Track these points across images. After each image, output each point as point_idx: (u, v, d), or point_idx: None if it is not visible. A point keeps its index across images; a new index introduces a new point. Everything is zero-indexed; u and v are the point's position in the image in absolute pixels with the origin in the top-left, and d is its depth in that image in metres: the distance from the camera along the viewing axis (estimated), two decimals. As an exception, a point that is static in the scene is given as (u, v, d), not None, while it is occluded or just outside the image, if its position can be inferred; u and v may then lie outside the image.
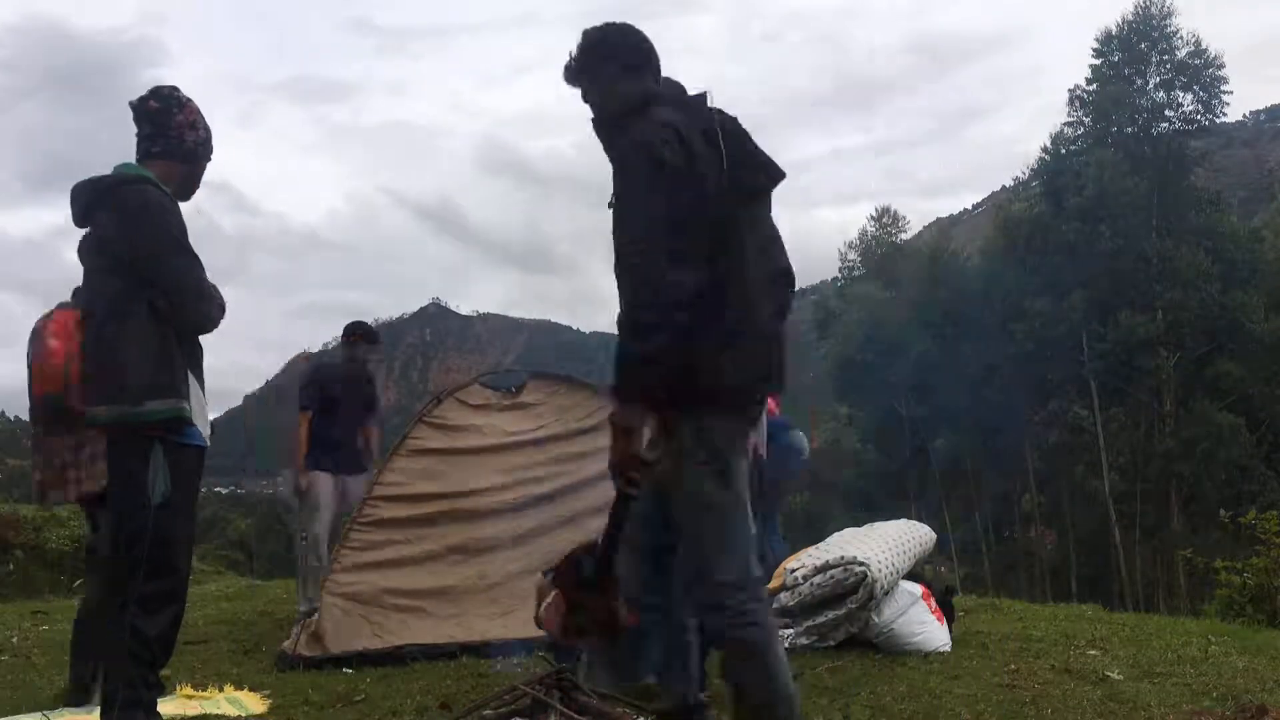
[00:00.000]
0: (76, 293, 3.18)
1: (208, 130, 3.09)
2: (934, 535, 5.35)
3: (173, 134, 3.00)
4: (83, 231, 2.99)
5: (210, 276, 3.01)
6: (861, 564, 4.48)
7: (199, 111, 3.07)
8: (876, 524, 5.33)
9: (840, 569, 4.51)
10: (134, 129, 3.02)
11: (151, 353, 2.80)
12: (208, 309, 2.94)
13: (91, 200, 2.90)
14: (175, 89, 3.05)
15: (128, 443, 2.80)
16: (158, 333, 2.82)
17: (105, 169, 3.01)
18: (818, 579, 4.57)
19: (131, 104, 3.03)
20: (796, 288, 2.64)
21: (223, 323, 3.05)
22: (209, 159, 3.12)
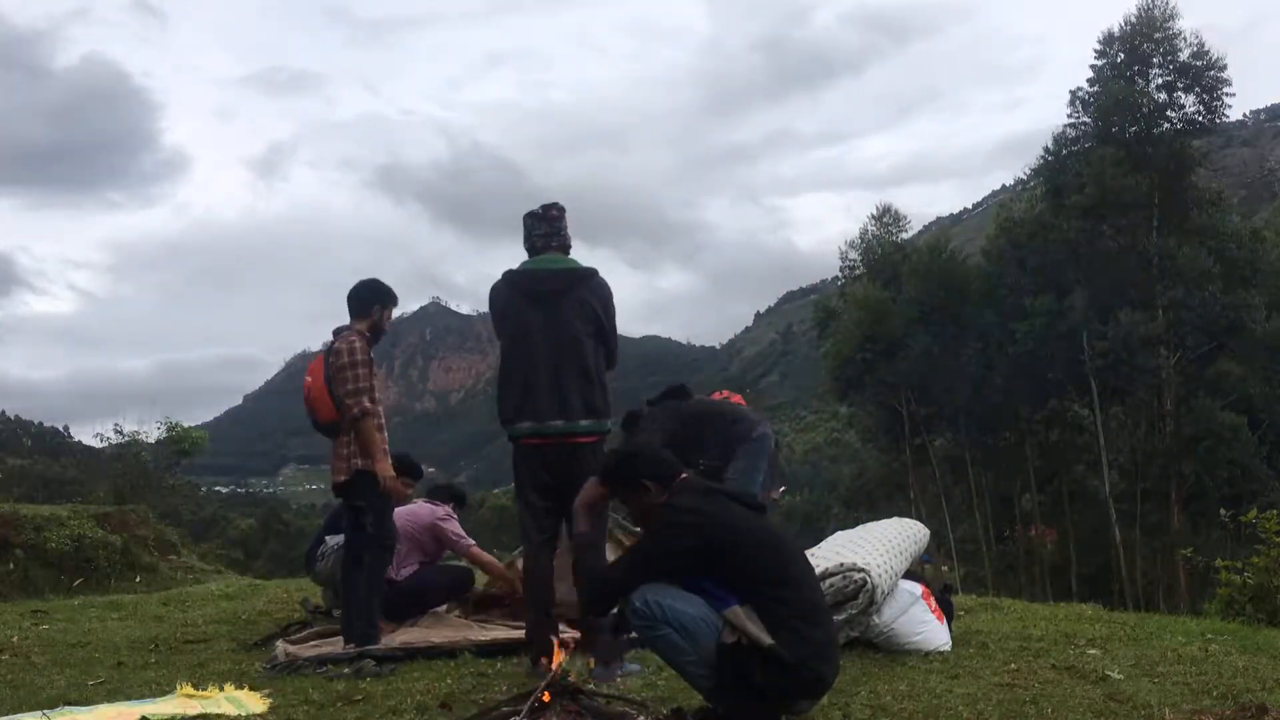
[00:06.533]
0: (546, 336, 4.23)
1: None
2: (927, 531, 5.35)
3: (563, 234, 4.38)
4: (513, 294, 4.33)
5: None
6: (861, 570, 4.47)
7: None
8: (870, 524, 5.32)
9: (840, 576, 4.48)
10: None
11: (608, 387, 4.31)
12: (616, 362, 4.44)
13: (572, 283, 4.26)
14: (559, 204, 4.39)
15: (596, 445, 4.21)
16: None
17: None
18: (818, 589, 4.57)
19: (534, 212, 4.36)
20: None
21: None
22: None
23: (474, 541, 5.58)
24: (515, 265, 4.43)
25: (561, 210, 4.39)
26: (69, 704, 3.84)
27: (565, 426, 4.15)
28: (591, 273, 4.33)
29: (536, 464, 4.23)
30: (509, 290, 4.33)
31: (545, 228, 4.36)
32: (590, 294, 4.26)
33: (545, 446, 4.19)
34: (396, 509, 5.67)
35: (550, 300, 4.23)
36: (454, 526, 5.46)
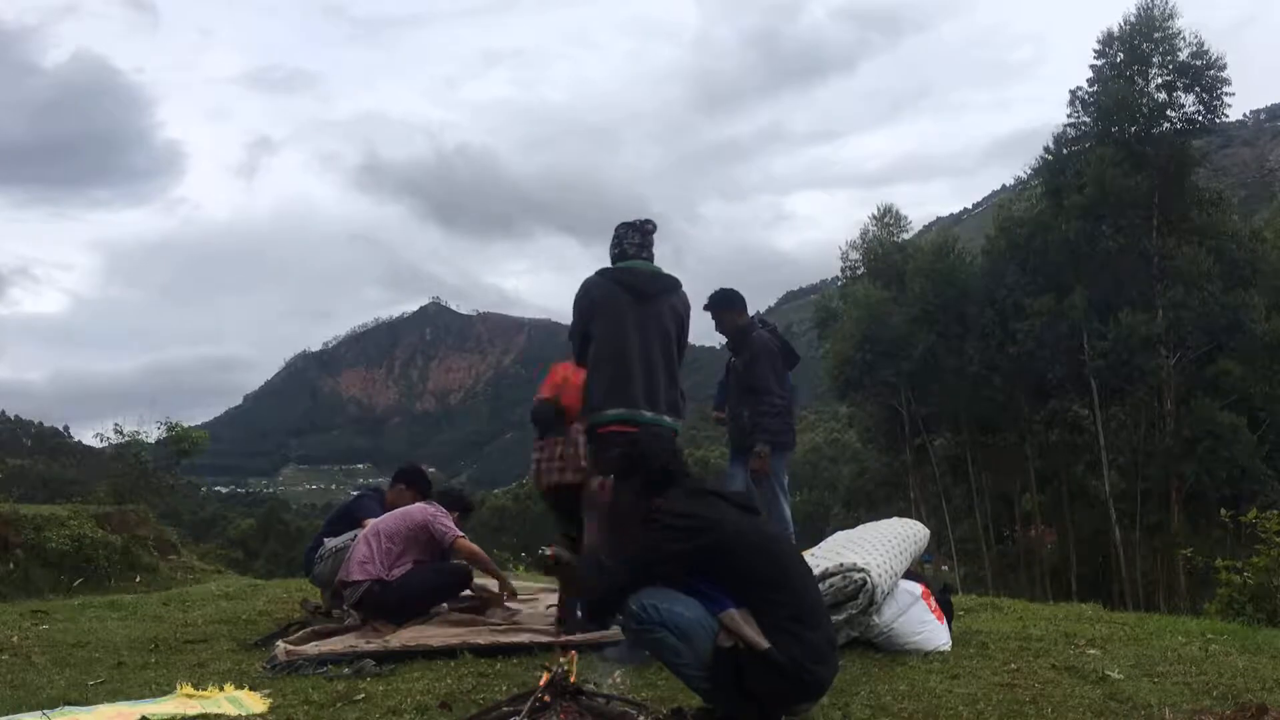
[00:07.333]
0: (642, 332, 4.61)
1: None
2: (927, 531, 5.35)
3: (650, 248, 4.82)
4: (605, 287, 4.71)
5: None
6: (861, 570, 4.46)
7: None
8: (870, 524, 5.33)
9: (840, 576, 4.48)
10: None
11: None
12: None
13: (668, 288, 4.72)
14: (653, 221, 4.86)
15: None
16: None
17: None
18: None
19: (631, 223, 4.82)
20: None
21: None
22: None
23: (462, 533, 5.52)
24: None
25: (654, 227, 4.87)
26: (69, 704, 3.84)
27: (653, 419, 4.45)
28: (680, 284, 4.80)
29: None
30: (610, 284, 4.66)
31: (639, 238, 4.81)
32: (679, 302, 4.73)
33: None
34: (390, 510, 5.68)
35: (649, 299, 4.63)
36: (444, 520, 5.44)
